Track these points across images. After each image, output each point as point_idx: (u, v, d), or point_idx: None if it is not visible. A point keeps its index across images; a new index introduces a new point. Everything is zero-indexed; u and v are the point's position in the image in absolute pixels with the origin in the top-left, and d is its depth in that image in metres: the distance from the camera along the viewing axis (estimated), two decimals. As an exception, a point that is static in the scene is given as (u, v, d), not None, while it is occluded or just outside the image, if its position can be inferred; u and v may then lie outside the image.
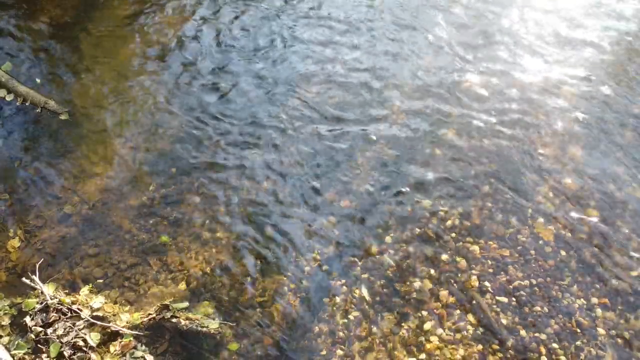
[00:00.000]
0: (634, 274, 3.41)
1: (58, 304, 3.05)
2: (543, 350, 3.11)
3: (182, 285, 3.33)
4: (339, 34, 5.05)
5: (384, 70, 4.70)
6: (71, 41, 4.84)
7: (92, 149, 4.04)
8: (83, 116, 4.25)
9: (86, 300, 3.15)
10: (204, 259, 3.47)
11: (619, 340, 3.14)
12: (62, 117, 4.18)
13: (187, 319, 3.06)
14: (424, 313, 3.27)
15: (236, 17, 5.22)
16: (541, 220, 3.69)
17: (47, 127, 4.16)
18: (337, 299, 3.32)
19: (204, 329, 3.04)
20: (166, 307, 3.07)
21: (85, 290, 3.22)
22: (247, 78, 4.63)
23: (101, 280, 3.34)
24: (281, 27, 5.13)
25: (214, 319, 3.13)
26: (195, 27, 5.10)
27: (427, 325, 3.22)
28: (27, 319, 3.01)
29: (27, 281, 3.15)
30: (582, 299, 3.32)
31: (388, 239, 3.60)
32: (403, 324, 3.22)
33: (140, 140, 4.13)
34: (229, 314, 3.22)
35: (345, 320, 3.24)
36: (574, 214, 3.72)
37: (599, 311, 3.27)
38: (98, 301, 3.14)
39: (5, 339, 2.97)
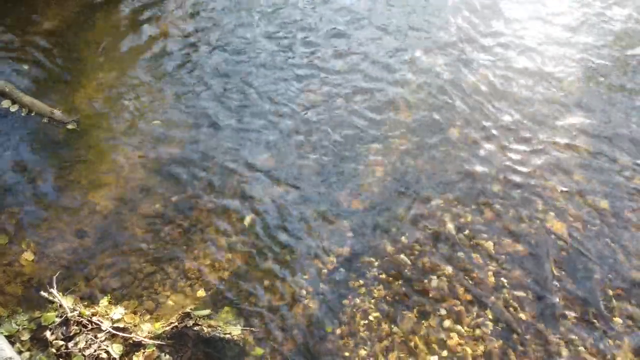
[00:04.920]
0: (647, 263, 3.47)
1: (78, 316, 3.03)
2: (562, 342, 3.16)
3: (201, 292, 3.32)
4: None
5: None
6: (72, 48, 4.78)
7: (101, 158, 4.01)
8: (89, 125, 4.21)
9: (106, 311, 3.13)
10: (221, 265, 3.46)
11: (636, 330, 3.19)
12: (70, 126, 4.13)
13: (209, 326, 3.05)
14: (443, 311, 3.29)
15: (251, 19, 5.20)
16: (552, 213, 3.74)
17: (54, 137, 4.11)
18: (357, 300, 3.33)
19: (227, 336, 3.04)
20: (188, 315, 3.07)
21: (104, 301, 3.20)
22: (260, 83, 4.62)
23: (119, 291, 3.31)
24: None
25: (235, 325, 3.13)
26: (202, 29, 5.07)
27: (447, 323, 3.24)
28: (47, 333, 2.98)
29: (46, 294, 3.12)
30: (597, 291, 3.37)
31: (403, 238, 3.62)
32: (423, 322, 3.24)
33: (149, 147, 4.10)
34: (250, 319, 3.21)
35: (366, 321, 3.25)
36: (584, 206, 3.76)
37: (614, 302, 3.31)
38: (118, 312, 3.13)
39: (26, 354, 2.93)
